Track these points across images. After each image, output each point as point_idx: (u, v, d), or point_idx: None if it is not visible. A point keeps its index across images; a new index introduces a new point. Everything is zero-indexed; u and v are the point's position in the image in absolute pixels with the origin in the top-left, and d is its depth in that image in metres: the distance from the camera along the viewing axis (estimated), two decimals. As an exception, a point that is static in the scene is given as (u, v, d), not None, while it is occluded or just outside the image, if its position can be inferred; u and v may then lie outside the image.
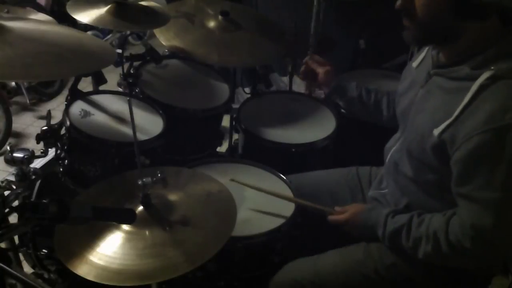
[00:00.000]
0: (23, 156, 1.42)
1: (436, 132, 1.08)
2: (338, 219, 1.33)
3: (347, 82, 1.57)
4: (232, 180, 1.41)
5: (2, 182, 1.45)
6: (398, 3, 1.10)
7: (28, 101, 3.48)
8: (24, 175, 1.45)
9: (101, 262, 1.01)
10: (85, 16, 1.61)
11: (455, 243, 1.07)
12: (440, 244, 1.09)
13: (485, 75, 1.02)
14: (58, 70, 1.10)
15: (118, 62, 1.85)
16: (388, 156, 1.35)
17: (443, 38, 1.09)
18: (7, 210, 1.22)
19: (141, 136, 1.53)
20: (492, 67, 1.02)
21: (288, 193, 1.46)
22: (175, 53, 1.99)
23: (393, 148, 1.34)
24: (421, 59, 1.28)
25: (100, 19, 1.62)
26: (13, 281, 1.10)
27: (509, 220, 1.03)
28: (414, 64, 1.31)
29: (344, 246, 1.35)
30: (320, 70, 1.61)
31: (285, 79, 2.79)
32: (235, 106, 1.97)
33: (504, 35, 1.04)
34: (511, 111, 0.97)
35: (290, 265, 1.35)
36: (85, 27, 3.39)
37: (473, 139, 1.00)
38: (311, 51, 1.68)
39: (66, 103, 1.62)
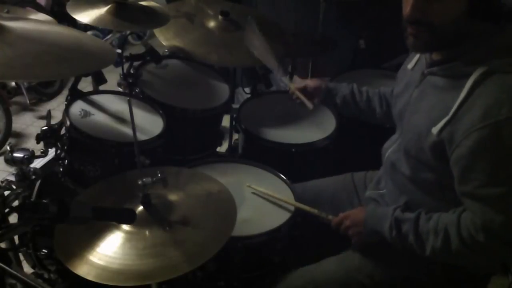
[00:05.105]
0: (23, 156, 1.41)
1: (435, 130, 1.08)
2: (341, 219, 1.31)
3: (336, 84, 1.58)
4: (249, 186, 1.44)
5: (2, 182, 1.45)
6: (408, 13, 1.05)
7: (28, 101, 3.48)
8: (24, 175, 1.45)
9: (101, 262, 1.01)
10: (85, 16, 1.61)
11: (467, 238, 1.05)
12: (451, 239, 1.07)
13: (479, 71, 1.02)
14: (58, 70, 1.10)
15: (118, 62, 1.85)
16: (385, 157, 1.35)
17: (455, 42, 1.07)
18: (7, 210, 1.22)
19: (141, 136, 1.53)
20: (486, 63, 1.02)
21: (289, 195, 1.46)
22: (175, 53, 2.00)
23: (390, 149, 1.34)
24: (415, 60, 1.29)
25: (100, 19, 1.62)
26: (13, 281, 1.11)
27: None
28: (409, 65, 1.31)
29: (342, 253, 1.35)
30: (307, 82, 1.63)
31: (285, 79, 2.79)
32: (235, 106, 1.97)
33: (496, 31, 1.04)
34: (507, 105, 0.97)
35: (288, 276, 1.35)
36: (85, 27, 3.39)
37: (471, 135, 1.00)
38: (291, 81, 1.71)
39: (66, 103, 1.62)
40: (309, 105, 1.58)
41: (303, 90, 1.62)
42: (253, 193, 1.46)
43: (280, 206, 1.42)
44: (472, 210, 1.05)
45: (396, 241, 1.17)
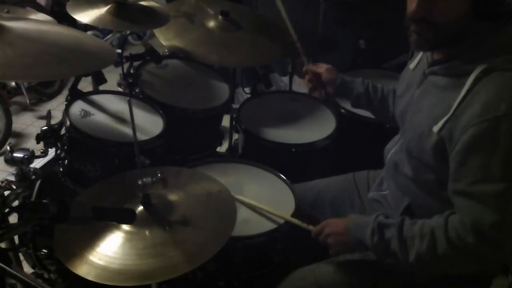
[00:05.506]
0: (23, 156, 1.41)
1: (436, 129, 1.08)
2: (321, 227, 1.28)
3: (352, 79, 1.55)
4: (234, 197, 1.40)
5: (2, 182, 1.45)
6: (413, 10, 1.06)
7: (28, 101, 3.48)
8: (24, 175, 1.45)
9: (101, 262, 1.01)
10: (85, 16, 1.61)
11: (456, 240, 1.02)
12: (437, 243, 1.05)
13: (479, 69, 1.02)
14: (58, 70, 1.10)
15: (118, 62, 1.85)
16: (388, 158, 1.35)
17: (457, 40, 1.08)
18: (7, 210, 1.22)
19: (141, 136, 1.53)
20: (486, 61, 1.02)
21: (289, 195, 1.45)
22: (175, 53, 2.00)
23: (392, 149, 1.34)
24: (417, 61, 1.29)
25: (100, 19, 1.62)
26: (13, 281, 1.11)
27: (511, 213, 0.99)
28: (411, 66, 1.31)
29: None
30: (322, 70, 1.60)
31: (285, 79, 2.79)
32: (235, 106, 1.97)
33: (497, 29, 1.05)
34: (505, 102, 0.97)
35: (290, 276, 1.33)
36: (85, 27, 3.39)
37: (468, 131, 1.00)
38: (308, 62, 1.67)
39: (66, 103, 1.62)
40: (318, 94, 1.61)
41: (317, 77, 1.60)
42: (256, 197, 1.42)
43: (280, 207, 1.41)
44: (462, 209, 1.04)
45: (378, 248, 1.14)
